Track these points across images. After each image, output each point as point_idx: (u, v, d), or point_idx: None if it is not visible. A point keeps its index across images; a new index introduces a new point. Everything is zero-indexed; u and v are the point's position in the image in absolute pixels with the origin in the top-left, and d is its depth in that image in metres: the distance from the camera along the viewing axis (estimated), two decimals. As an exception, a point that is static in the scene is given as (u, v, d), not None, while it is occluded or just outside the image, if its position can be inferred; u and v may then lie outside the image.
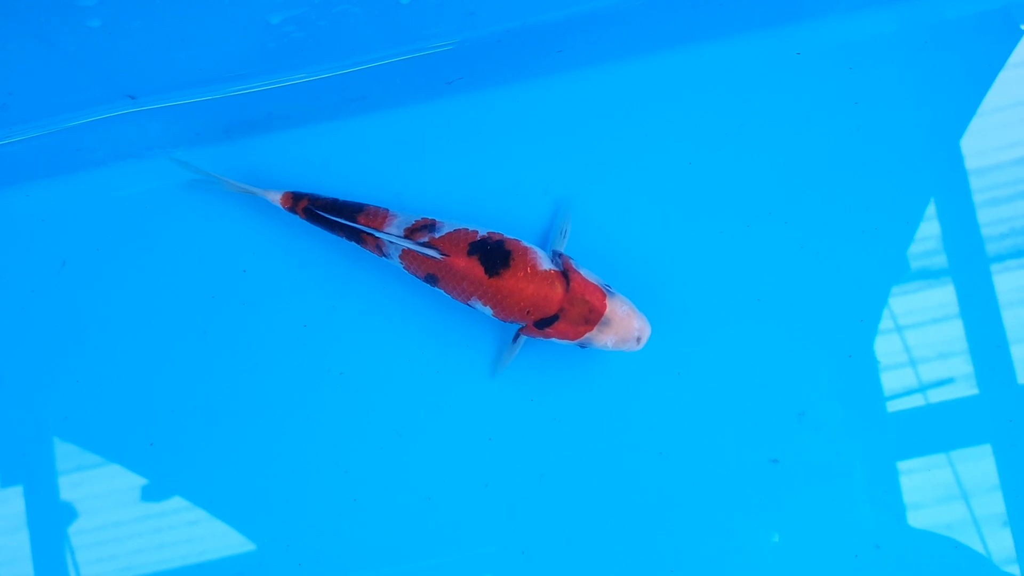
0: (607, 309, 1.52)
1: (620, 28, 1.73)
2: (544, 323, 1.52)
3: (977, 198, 1.72)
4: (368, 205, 1.60)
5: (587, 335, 1.52)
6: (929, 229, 1.72)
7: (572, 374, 1.69)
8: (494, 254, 1.51)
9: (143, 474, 1.70)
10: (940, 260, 1.72)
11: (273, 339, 1.71)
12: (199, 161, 1.70)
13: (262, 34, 1.60)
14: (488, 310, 1.54)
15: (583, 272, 1.54)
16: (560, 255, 1.57)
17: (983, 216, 1.72)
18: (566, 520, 1.68)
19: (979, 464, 1.70)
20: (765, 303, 1.70)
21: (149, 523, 1.70)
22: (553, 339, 1.55)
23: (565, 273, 1.52)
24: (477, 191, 1.71)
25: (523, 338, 1.62)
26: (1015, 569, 1.68)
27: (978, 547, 1.69)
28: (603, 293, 1.53)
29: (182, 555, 1.70)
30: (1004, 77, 1.74)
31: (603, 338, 1.53)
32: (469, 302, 1.55)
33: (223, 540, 1.70)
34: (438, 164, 1.72)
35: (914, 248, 1.72)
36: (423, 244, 1.53)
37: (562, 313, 1.51)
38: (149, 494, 1.70)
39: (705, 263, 1.71)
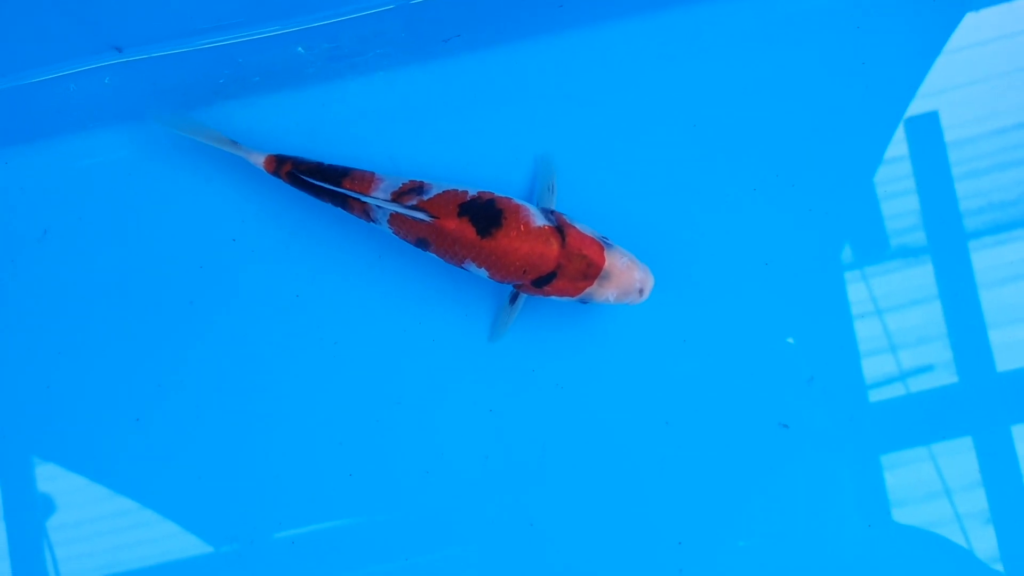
0: (606, 262, 1.47)
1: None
2: (542, 281, 1.47)
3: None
4: (354, 169, 1.55)
5: (587, 290, 1.47)
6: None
7: (574, 342, 1.65)
8: (485, 214, 1.46)
9: (130, 449, 1.65)
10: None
11: (264, 309, 1.67)
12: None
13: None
14: (483, 272, 1.49)
15: (579, 226, 1.49)
16: (553, 211, 1.51)
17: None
18: (570, 492, 1.64)
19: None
20: (773, 267, 1.65)
21: (138, 496, 1.66)
22: (553, 297, 1.49)
23: (560, 228, 1.46)
24: (475, 153, 1.67)
25: (522, 299, 1.57)
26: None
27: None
28: (601, 246, 1.48)
29: (175, 527, 1.66)
30: (991, 47, 1.71)
31: (604, 292, 1.47)
32: (463, 265, 1.50)
33: (214, 515, 1.66)
34: (435, 126, 1.68)
35: (921, 210, 1.68)
36: (411, 207, 1.47)
37: (560, 270, 1.46)
38: (136, 468, 1.66)
39: (711, 227, 1.66)
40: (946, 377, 1.66)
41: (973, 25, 1.70)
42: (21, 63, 1.67)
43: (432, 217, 1.46)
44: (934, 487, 1.65)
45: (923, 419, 1.66)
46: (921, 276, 1.67)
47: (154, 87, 1.68)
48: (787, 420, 1.64)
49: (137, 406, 1.66)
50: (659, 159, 1.67)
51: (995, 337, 1.66)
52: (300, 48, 1.67)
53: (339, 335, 1.66)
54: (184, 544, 1.66)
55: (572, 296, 1.49)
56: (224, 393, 1.66)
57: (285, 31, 1.68)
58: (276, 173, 1.56)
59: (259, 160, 1.57)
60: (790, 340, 1.65)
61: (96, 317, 1.67)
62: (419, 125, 1.68)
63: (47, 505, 1.67)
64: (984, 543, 1.64)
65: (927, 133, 1.68)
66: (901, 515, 1.64)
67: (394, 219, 1.50)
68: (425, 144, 1.67)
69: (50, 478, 1.67)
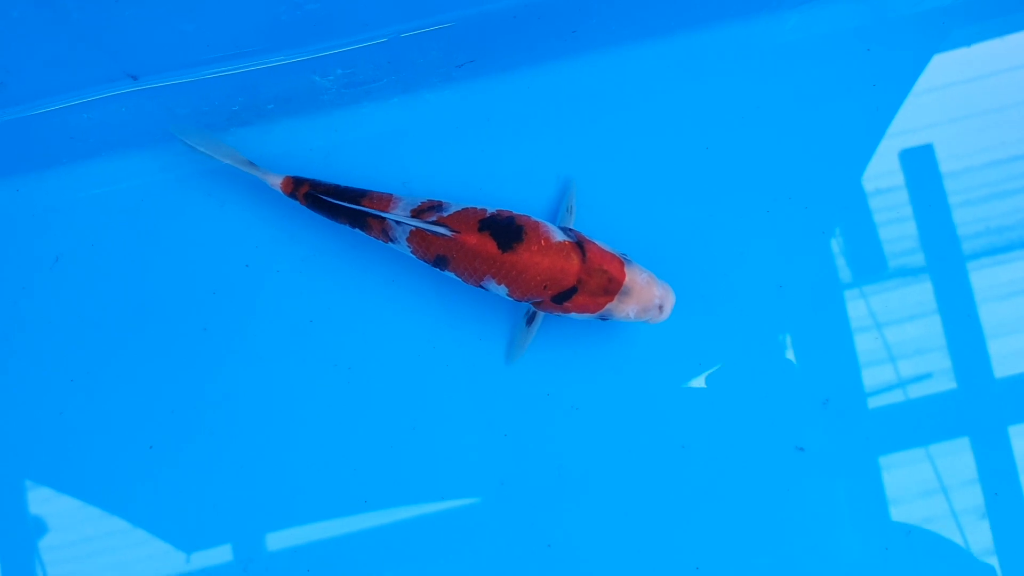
0: (626, 278, 1.46)
1: (635, 8, 1.69)
2: (562, 297, 1.46)
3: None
4: (371, 191, 1.55)
5: (608, 306, 1.46)
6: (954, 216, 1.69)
7: (589, 365, 1.64)
8: (506, 229, 1.46)
9: (142, 477, 1.64)
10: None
11: (278, 335, 1.66)
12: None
13: (275, 5, 1.57)
14: (503, 289, 1.48)
15: (598, 243, 1.49)
16: (571, 229, 1.51)
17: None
18: (587, 515, 1.63)
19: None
20: (787, 289, 1.65)
21: (151, 524, 1.64)
22: (572, 314, 1.48)
23: (580, 244, 1.46)
24: (489, 177, 1.68)
25: (539, 320, 1.57)
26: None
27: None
28: (621, 262, 1.47)
29: (189, 555, 1.64)
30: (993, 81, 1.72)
31: (624, 308, 1.47)
32: (482, 283, 1.49)
33: (228, 544, 1.64)
34: (449, 150, 1.69)
35: (936, 232, 1.68)
36: (432, 223, 1.47)
37: (580, 285, 1.45)
38: (148, 498, 1.64)
39: (725, 249, 1.67)
40: (958, 394, 1.66)
41: (978, 57, 1.71)
42: (36, 92, 1.67)
43: (453, 232, 1.45)
44: (946, 509, 1.64)
45: (935, 438, 1.66)
46: (941, 304, 1.68)
47: (169, 114, 1.68)
48: (803, 443, 1.63)
49: (151, 433, 1.64)
50: (672, 182, 1.67)
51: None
52: (316, 75, 1.67)
53: (353, 360, 1.65)
54: (198, 573, 1.64)
55: (592, 313, 1.48)
56: (238, 419, 1.64)
57: (300, 59, 1.68)
58: (293, 195, 1.56)
59: (276, 182, 1.56)
60: (805, 363, 1.64)
61: (109, 344, 1.66)
62: (434, 149, 1.68)
63: (60, 532, 1.65)
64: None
65: (931, 150, 1.69)
66: (918, 538, 1.63)
67: (413, 236, 1.50)
68: (440, 168, 1.67)
69: (63, 506, 1.65)
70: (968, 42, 1.72)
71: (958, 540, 1.63)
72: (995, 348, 1.66)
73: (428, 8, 1.65)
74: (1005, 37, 1.72)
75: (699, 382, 1.64)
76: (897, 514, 1.63)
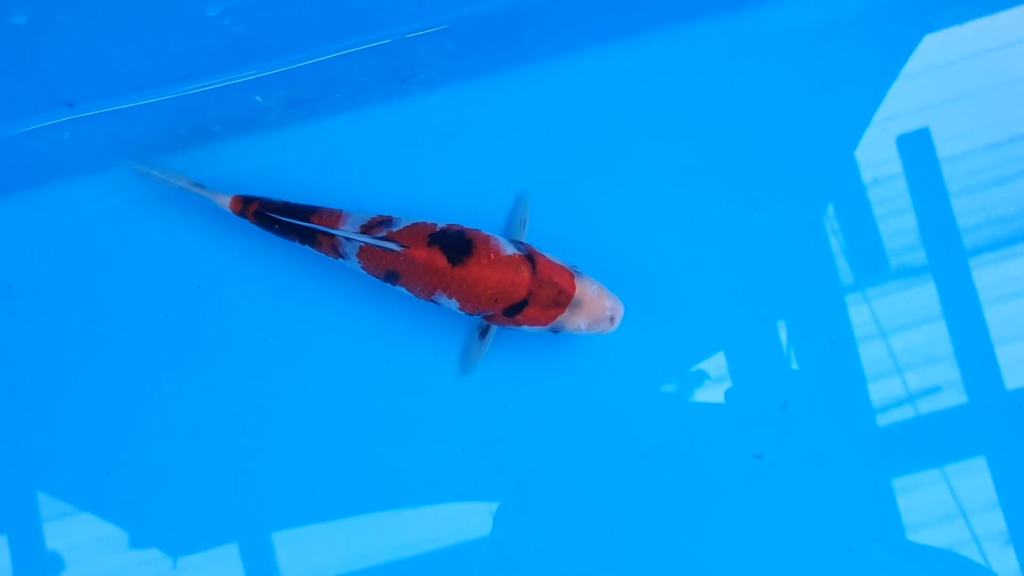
0: (577, 290, 1.46)
1: (577, 16, 1.69)
2: (513, 310, 1.46)
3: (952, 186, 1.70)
4: (321, 207, 1.55)
5: (559, 319, 1.47)
6: (901, 218, 1.70)
7: (545, 377, 1.64)
8: (455, 243, 1.46)
9: (99, 504, 1.63)
10: (918, 253, 1.70)
11: (231, 356, 1.65)
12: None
13: (201, 29, 1.56)
14: (454, 303, 1.48)
15: (548, 256, 1.49)
16: (521, 242, 1.51)
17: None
18: (547, 528, 1.62)
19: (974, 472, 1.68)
20: (740, 294, 1.66)
21: (109, 551, 1.63)
22: (524, 327, 1.49)
23: (530, 257, 1.46)
24: (438, 191, 1.67)
25: (492, 333, 1.57)
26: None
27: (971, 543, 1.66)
28: (571, 274, 1.48)
29: (147, 582, 1.62)
30: (972, 61, 1.73)
31: (575, 320, 1.47)
32: (433, 297, 1.49)
33: (187, 567, 1.63)
34: (397, 165, 1.68)
35: (886, 232, 1.69)
36: (381, 238, 1.47)
37: (531, 297, 1.45)
38: (106, 525, 1.63)
39: (676, 255, 1.67)
40: (926, 394, 1.67)
41: (950, 41, 1.73)
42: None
43: (402, 247, 1.45)
44: (907, 507, 1.65)
45: (896, 439, 1.66)
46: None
47: (115, 140, 1.67)
48: (761, 450, 1.63)
49: (107, 459, 1.63)
50: (622, 188, 1.67)
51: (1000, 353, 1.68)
52: (257, 96, 1.67)
53: (307, 379, 1.65)
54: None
55: (543, 325, 1.48)
56: (194, 443, 1.63)
57: (237, 81, 1.67)
58: (243, 214, 1.55)
59: (225, 202, 1.56)
60: (761, 368, 1.65)
61: (63, 371, 1.64)
62: (382, 165, 1.68)
63: (16, 562, 1.63)
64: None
65: (882, 150, 1.70)
66: (882, 542, 1.64)
67: (363, 252, 1.50)
68: (389, 184, 1.67)
69: (18, 535, 1.64)
70: (919, 34, 1.73)
71: (919, 542, 1.64)
72: (997, 339, 1.69)
73: (361, 26, 1.64)
74: (952, 29, 1.74)
75: (655, 390, 1.65)
76: (857, 518, 1.64)
